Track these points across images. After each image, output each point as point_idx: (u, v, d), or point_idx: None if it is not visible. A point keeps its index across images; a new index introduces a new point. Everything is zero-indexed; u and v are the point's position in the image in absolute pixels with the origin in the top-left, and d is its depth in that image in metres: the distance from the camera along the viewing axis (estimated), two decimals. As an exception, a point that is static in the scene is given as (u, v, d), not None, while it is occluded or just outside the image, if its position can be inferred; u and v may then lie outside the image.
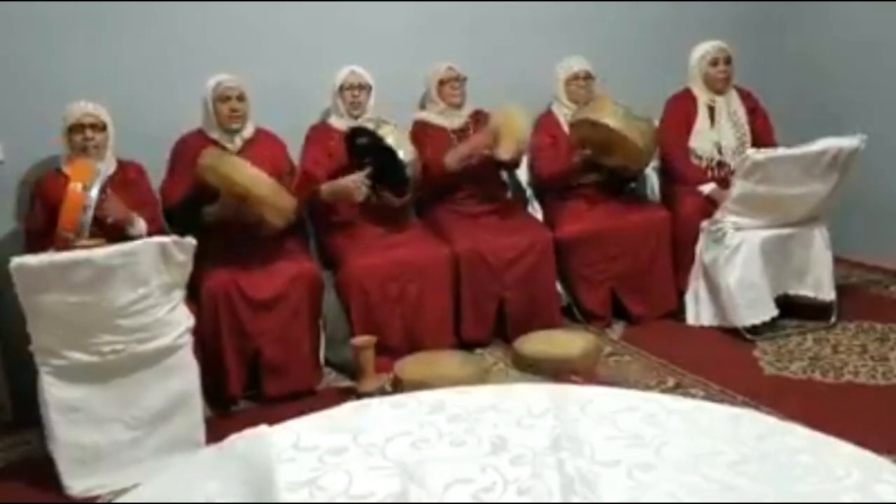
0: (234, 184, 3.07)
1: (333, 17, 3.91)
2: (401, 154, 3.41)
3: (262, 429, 1.48)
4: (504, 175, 4.07)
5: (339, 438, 1.43)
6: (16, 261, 2.47)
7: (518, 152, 3.67)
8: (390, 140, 3.42)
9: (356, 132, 3.53)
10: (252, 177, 3.10)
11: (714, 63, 3.84)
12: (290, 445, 1.42)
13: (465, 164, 3.69)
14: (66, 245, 2.81)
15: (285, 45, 3.84)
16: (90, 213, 2.86)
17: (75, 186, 2.86)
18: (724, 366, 3.23)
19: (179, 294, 2.78)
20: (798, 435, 1.38)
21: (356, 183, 3.45)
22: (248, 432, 1.48)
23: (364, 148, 3.50)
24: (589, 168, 3.84)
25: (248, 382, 3.24)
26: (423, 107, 3.97)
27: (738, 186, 3.41)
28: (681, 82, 3.95)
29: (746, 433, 1.39)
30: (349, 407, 1.56)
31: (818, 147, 3.35)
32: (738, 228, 3.47)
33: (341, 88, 3.67)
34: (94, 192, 2.88)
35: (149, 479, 1.43)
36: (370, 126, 3.49)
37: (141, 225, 3.16)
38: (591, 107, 3.69)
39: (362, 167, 3.50)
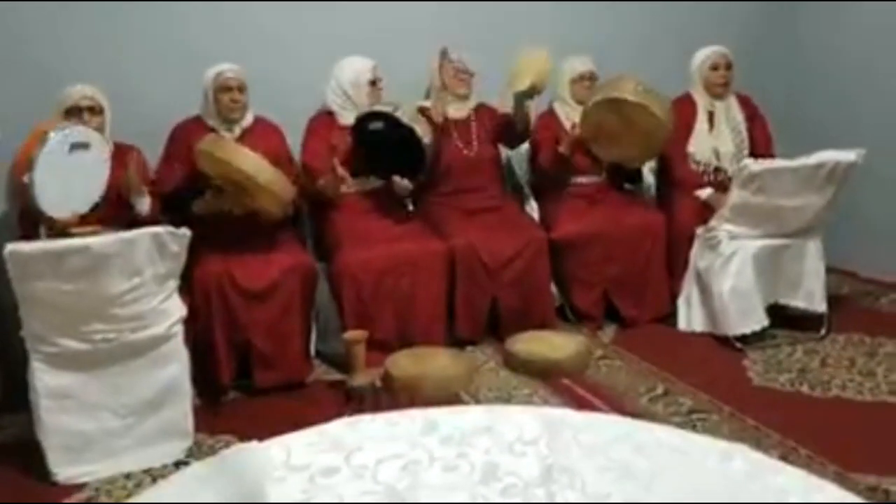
0: (233, 170, 3.04)
1: (332, 6, 3.89)
2: (418, 131, 3.38)
3: (254, 445, 1.48)
4: (504, 153, 4.07)
5: (330, 458, 1.43)
6: (9, 247, 2.46)
7: (536, 87, 3.62)
8: (407, 119, 3.38)
9: (368, 117, 3.46)
10: (254, 162, 3.07)
11: (714, 68, 3.85)
12: (282, 463, 1.42)
13: None
14: (25, 201, 2.77)
15: (283, 34, 3.82)
16: (42, 163, 2.73)
17: (34, 132, 2.79)
18: (714, 374, 3.25)
19: (173, 284, 2.77)
20: (788, 475, 1.39)
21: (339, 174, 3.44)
22: (239, 447, 1.48)
23: (377, 133, 3.44)
24: (593, 166, 3.85)
25: (238, 372, 3.24)
26: (427, 98, 3.92)
27: (734, 196, 3.42)
28: (682, 87, 3.94)
29: (737, 470, 1.39)
30: (342, 423, 1.56)
31: (815, 160, 3.36)
32: (733, 237, 3.49)
33: (368, 82, 3.61)
34: (52, 141, 2.76)
35: (138, 494, 1.42)
36: (386, 109, 3.43)
37: (146, 203, 3.15)
38: (610, 85, 3.64)
39: (372, 155, 3.48)
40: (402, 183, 3.58)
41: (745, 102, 3.95)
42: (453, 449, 1.46)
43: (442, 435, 1.51)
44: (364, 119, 3.47)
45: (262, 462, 1.43)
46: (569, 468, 1.39)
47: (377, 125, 3.44)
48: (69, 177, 2.82)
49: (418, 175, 3.58)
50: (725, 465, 1.41)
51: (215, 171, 3.11)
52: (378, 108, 3.48)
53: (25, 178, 2.73)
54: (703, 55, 3.88)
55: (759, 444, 2.63)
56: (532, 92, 3.64)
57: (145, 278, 2.64)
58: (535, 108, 3.80)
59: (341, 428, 1.56)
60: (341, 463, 1.42)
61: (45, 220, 2.85)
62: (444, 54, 3.78)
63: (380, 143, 3.45)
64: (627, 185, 4.11)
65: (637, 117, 3.54)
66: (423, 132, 3.46)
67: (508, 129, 3.82)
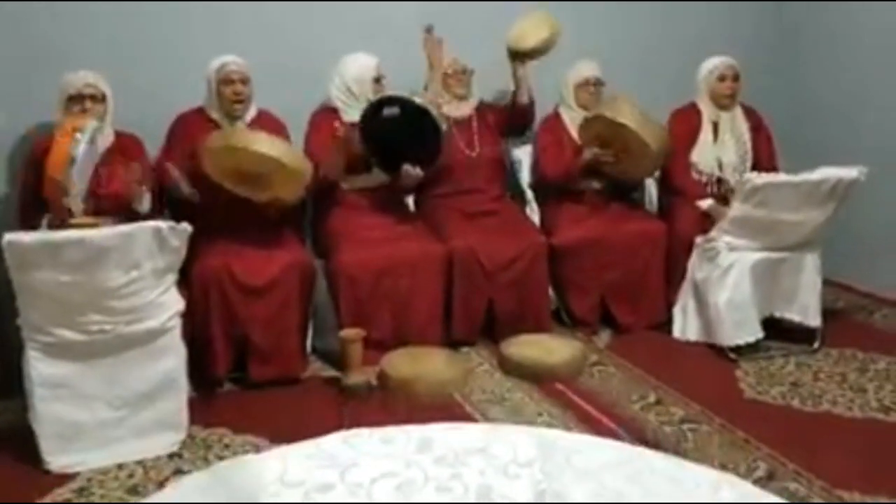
0: (252, 157, 3.02)
1: (333, 6, 3.88)
2: (434, 113, 3.37)
3: (251, 457, 1.49)
4: (506, 156, 4.06)
5: (326, 474, 1.44)
6: (8, 237, 2.46)
7: (548, 45, 3.65)
8: (421, 102, 3.37)
9: (383, 102, 3.41)
10: (279, 145, 3.09)
11: (721, 79, 3.84)
12: (277, 478, 1.43)
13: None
14: (58, 198, 2.77)
15: (287, 25, 3.81)
16: (79, 162, 2.76)
17: (63, 130, 2.79)
18: (706, 385, 3.25)
19: (172, 278, 2.78)
20: (777, 507, 1.41)
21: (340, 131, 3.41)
22: (235, 460, 1.49)
23: (389, 121, 3.39)
24: (591, 174, 3.85)
25: (233, 365, 3.26)
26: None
27: (735, 208, 3.42)
28: (687, 96, 3.93)
29: (726, 500, 1.41)
30: (339, 437, 1.57)
31: (817, 176, 3.35)
32: (732, 249, 3.49)
33: (372, 79, 3.59)
34: (83, 141, 2.77)
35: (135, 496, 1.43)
36: (403, 94, 3.39)
37: (147, 202, 3.13)
38: (609, 105, 3.69)
39: (381, 146, 3.45)
40: (412, 172, 3.49)
41: (750, 114, 3.94)
42: (447, 469, 1.47)
43: (436, 455, 1.52)
44: (379, 105, 3.41)
45: (258, 473, 1.43)
46: (561, 493, 1.40)
47: (393, 111, 3.38)
48: (83, 170, 2.83)
49: (435, 161, 3.52)
50: (716, 494, 1.43)
51: (228, 164, 3.08)
52: (390, 93, 3.44)
53: (60, 176, 2.73)
54: (711, 65, 3.86)
55: (747, 457, 2.66)
56: (536, 52, 3.64)
57: (144, 272, 2.64)
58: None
59: (337, 443, 1.57)
60: (336, 480, 1.43)
61: (59, 212, 2.84)
62: (428, 30, 3.65)
63: (391, 131, 3.40)
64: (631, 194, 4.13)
65: (630, 141, 3.60)
66: (440, 118, 3.44)
67: (512, 111, 3.81)
